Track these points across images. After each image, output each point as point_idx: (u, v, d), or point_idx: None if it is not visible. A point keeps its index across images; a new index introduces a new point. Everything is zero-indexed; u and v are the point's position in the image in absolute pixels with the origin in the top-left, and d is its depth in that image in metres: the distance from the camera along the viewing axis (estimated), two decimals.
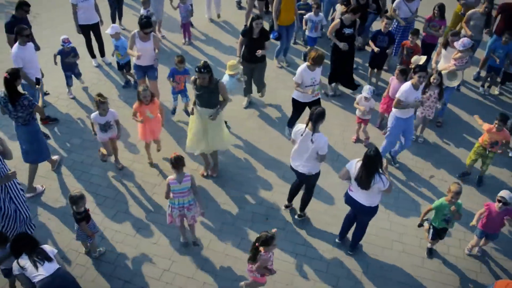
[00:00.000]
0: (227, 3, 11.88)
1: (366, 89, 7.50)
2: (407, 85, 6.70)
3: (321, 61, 6.95)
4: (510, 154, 7.79)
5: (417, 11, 9.41)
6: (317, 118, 5.52)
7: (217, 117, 6.41)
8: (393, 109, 6.89)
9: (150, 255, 5.89)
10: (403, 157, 7.53)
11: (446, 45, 8.07)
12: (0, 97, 6.01)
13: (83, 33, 8.98)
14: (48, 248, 4.63)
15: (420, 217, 6.04)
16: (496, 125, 6.61)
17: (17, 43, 7.02)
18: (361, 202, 5.45)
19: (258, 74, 8.20)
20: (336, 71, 8.62)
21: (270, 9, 10.08)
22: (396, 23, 9.40)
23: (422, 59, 7.72)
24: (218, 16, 11.40)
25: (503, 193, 5.61)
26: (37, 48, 8.08)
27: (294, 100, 7.42)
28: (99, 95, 6.41)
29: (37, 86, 6.71)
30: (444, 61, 8.10)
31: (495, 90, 9.39)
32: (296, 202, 6.46)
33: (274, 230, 4.83)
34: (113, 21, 10.32)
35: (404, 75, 7.50)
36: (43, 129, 7.45)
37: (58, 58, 8.09)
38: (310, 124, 5.58)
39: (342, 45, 8.09)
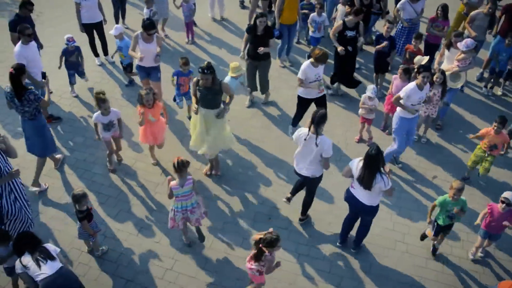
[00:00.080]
0: (230, 2, 11.88)
1: (370, 89, 7.49)
2: (411, 85, 6.68)
3: (325, 60, 6.95)
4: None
5: (423, 12, 9.38)
6: (319, 121, 5.51)
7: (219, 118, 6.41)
8: (398, 110, 6.88)
9: (152, 254, 5.89)
10: (406, 157, 7.52)
11: (449, 46, 8.06)
12: (6, 92, 6.07)
13: (86, 32, 8.99)
14: (51, 246, 4.63)
15: (428, 215, 5.95)
16: (495, 127, 6.59)
17: (20, 42, 7.05)
18: (362, 201, 5.44)
19: (262, 71, 8.21)
20: (338, 72, 8.63)
21: (273, 8, 10.08)
22: (401, 26, 9.36)
23: (425, 59, 7.73)
24: (222, 18, 11.40)
25: (507, 194, 5.58)
26: (40, 46, 8.09)
27: (299, 97, 7.42)
28: (99, 92, 6.36)
29: (43, 80, 6.71)
30: (448, 62, 8.08)
31: (498, 91, 9.37)
32: (296, 202, 6.44)
33: (270, 229, 4.84)
34: (116, 20, 10.34)
35: (408, 74, 7.50)
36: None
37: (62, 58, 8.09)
38: (312, 128, 5.57)
39: (340, 49, 8.09)
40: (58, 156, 7.06)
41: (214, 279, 5.65)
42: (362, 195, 5.42)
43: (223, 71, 8.67)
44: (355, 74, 9.06)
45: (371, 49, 9.76)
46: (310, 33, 9.72)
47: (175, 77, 7.60)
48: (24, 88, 5.95)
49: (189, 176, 5.44)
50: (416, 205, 6.77)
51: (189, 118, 8.00)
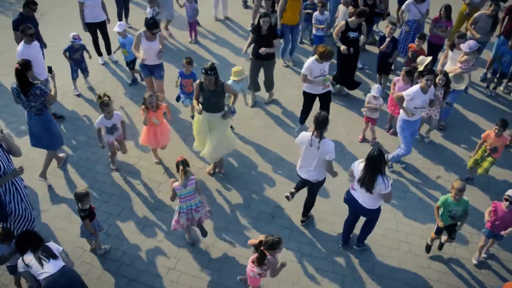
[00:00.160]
0: (234, 2, 11.87)
1: (375, 88, 7.49)
2: (415, 87, 6.66)
3: (329, 57, 6.96)
4: None
5: (428, 13, 9.34)
6: (321, 124, 5.50)
7: (225, 118, 6.41)
8: (401, 112, 6.86)
9: (155, 253, 5.88)
10: (409, 158, 7.49)
11: (452, 46, 8.02)
12: (12, 88, 6.10)
13: (90, 31, 9.00)
14: (53, 245, 4.63)
15: (436, 217, 5.84)
16: (496, 130, 6.57)
17: (22, 42, 7.09)
18: (361, 203, 5.43)
19: (266, 71, 8.23)
20: (340, 72, 8.63)
21: (276, 8, 10.07)
22: (404, 30, 9.32)
23: (428, 59, 7.70)
24: (225, 18, 11.40)
25: (511, 192, 5.56)
26: (44, 46, 8.09)
27: (305, 93, 7.43)
28: (102, 96, 6.34)
29: (49, 74, 6.72)
30: (451, 63, 8.03)
31: (501, 90, 9.35)
32: (300, 202, 6.42)
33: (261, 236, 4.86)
34: (120, 19, 10.33)
35: (410, 76, 7.50)
36: None
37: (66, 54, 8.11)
38: (315, 131, 5.56)
39: (343, 48, 8.09)
40: (61, 155, 7.08)
41: (217, 278, 5.64)
42: (362, 197, 5.40)
43: (226, 71, 8.65)
44: (357, 74, 9.04)
45: (374, 49, 9.74)
46: (314, 31, 9.71)
47: (179, 78, 7.62)
48: (30, 84, 5.97)
49: (192, 176, 5.43)
50: (419, 205, 6.75)
51: (192, 117, 8.00)
